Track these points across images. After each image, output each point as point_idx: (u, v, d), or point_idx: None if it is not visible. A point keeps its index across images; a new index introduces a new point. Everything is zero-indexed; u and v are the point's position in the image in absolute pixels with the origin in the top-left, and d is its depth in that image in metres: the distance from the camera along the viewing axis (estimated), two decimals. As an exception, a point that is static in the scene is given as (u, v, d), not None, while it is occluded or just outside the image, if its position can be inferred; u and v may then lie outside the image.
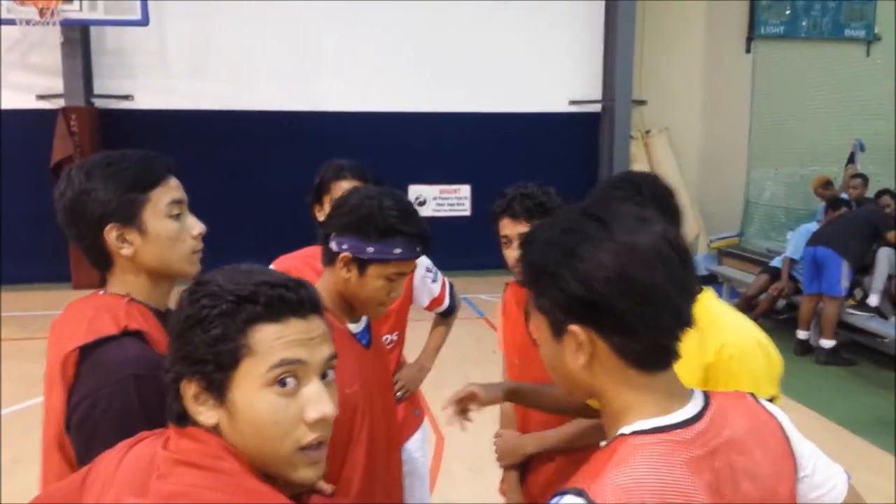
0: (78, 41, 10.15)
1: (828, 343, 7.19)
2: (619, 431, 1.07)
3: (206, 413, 1.10)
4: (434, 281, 3.09)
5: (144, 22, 9.33)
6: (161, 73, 10.71)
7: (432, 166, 11.19)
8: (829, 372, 7.00)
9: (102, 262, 1.59)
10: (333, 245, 1.82)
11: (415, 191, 11.08)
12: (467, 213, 11.47)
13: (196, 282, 1.13)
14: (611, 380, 1.09)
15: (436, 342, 3.25)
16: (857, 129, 9.95)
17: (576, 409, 2.21)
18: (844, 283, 7.05)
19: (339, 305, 1.85)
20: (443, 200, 11.47)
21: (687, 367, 1.64)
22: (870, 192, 8.46)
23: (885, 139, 9.78)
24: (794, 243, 7.91)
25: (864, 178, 8.41)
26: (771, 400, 1.63)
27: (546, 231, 1.13)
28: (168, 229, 1.57)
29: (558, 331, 1.11)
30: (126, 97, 10.61)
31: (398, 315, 2.93)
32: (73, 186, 1.54)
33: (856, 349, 7.39)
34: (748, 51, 11.69)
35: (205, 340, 1.07)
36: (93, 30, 10.36)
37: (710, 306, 1.72)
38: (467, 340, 7.36)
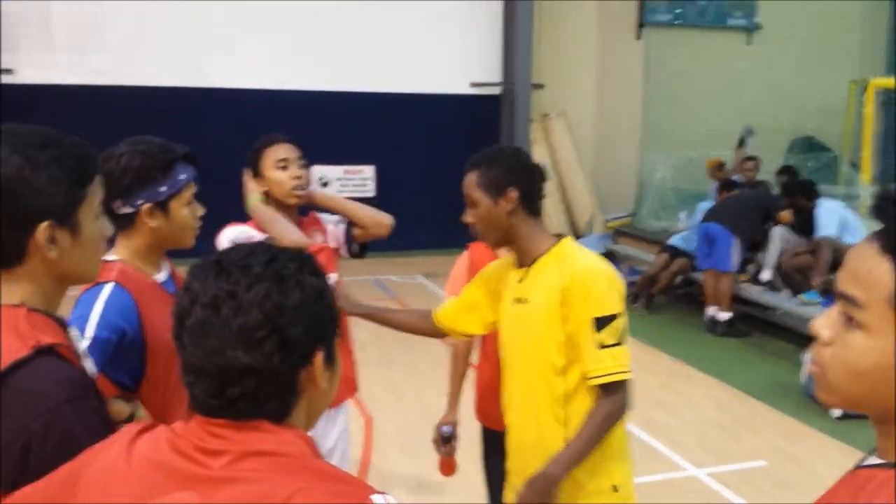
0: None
1: (724, 315, 7.60)
2: None
3: (323, 377, 1.09)
4: (338, 225, 3.07)
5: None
6: (43, 46, 10.07)
7: (335, 147, 11.02)
8: (727, 343, 7.41)
9: (10, 260, 1.31)
10: (127, 208, 1.92)
11: (318, 171, 10.89)
12: (372, 193, 11.39)
13: (272, 276, 1.04)
14: None
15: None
16: (743, 115, 10.51)
17: (426, 328, 2.63)
18: (735, 259, 7.48)
19: (145, 260, 1.99)
20: (347, 181, 11.34)
21: (550, 290, 2.18)
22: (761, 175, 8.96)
23: (770, 123, 10.38)
24: (694, 220, 8.35)
25: (756, 160, 8.90)
26: (615, 316, 2.14)
27: None
28: (96, 231, 1.39)
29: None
30: (6, 71, 9.91)
31: (331, 257, 2.96)
32: (2, 166, 1.26)
33: (749, 322, 7.85)
34: (639, 38, 12.10)
35: (328, 303, 1.08)
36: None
37: (568, 247, 2.28)
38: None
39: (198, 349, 1.01)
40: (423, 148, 11.47)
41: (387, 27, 11.18)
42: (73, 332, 1.46)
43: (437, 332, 2.63)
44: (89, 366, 1.42)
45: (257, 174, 2.86)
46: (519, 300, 2.30)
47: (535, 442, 2.27)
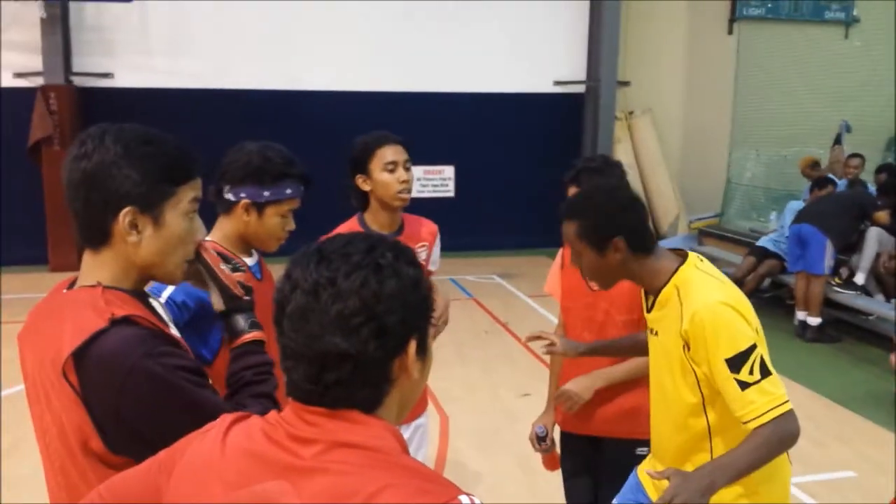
0: (58, 17, 9.91)
1: (815, 320, 7.32)
2: None
3: (415, 367, 1.10)
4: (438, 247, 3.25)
5: (126, -2, 9.15)
6: (141, 51, 10.51)
7: (416, 147, 11.03)
8: (817, 349, 7.13)
9: (96, 240, 1.45)
10: (231, 196, 2.18)
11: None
12: (451, 194, 11.46)
13: (371, 266, 1.07)
14: None
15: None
16: (838, 111, 10.09)
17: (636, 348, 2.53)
18: (828, 262, 7.15)
19: (235, 245, 2.21)
20: (427, 181, 11.42)
21: (674, 332, 2.05)
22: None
23: (868, 121, 9.94)
24: (784, 220, 8.04)
25: (862, 158, 8.49)
26: (750, 350, 1.94)
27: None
28: (181, 229, 1.49)
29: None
30: (106, 75, 10.39)
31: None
32: (103, 152, 1.41)
33: (841, 327, 7.54)
34: (730, 32, 11.78)
35: (424, 294, 1.09)
36: (72, 6, 10.12)
37: (689, 277, 2.09)
38: (461, 321, 7.37)
39: (297, 334, 1.04)
40: (504, 148, 11.45)
41: (471, 26, 11.22)
42: (153, 301, 1.57)
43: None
44: (174, 331, 1.52)
45: (363, 172, 2.88)
46: (652, 331, 2.21)
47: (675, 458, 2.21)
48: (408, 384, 1.11)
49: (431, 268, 3.27)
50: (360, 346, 1.03)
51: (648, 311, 2.20)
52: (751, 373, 1.96)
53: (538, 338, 2.69)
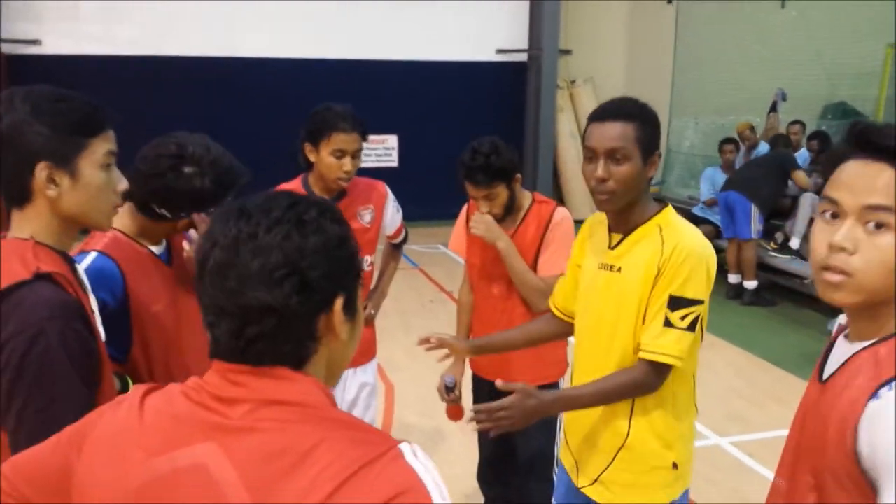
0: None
1: (750, 284, 7.50)
2: None
3: (343, 327, 1.07)
4: (398, 212, 3.35)
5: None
6: (71, 17, 10.13)
7: (358, 115, 10.98)
8: (754, 312, 7.32)
9: (18, 198, 1.51)
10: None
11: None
12: (395, 163, 11.37)
13: (295, 217, 1.04)
14: None
15: (392, 270, 3.51)
16: (774, 80, 10.27)
17: (556, 329, 2.48)
18: (756, 227, 7.35)
19: (141, 233, 2.03)
20: (370, 151, 11.29)
21: (648, 262, 2.05)
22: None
23: (803, 89, 10.13)
24: (702, 187, 8.26)
25: (802, 125, 8.67)
26: (695, 303, 1.99)
27: None
28: (99, 179, 1.53)
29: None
30: (34, 42, 9.99)
31: (373, 240, 3.19)
32: (13, 113, 1.46)
33: (777, 290, 7.74)
34: (670, 1, 11.85)
35: (350, 252, 1.07)
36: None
37: (672, 218, 2.11)
38: (406, 291, 7.36)
39: (217, 291, 1.01)
40: (448, 117, 11.38)
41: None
42: (79, 267, 1.62)
43: (568, 328, 2.44)
44: (92, 301, 1.57)
45: (313, 144, 2.92)
46: (608, 266, 2.15)
47: (599, 411, 2.18)
48: (337, 345, 1.08)
49: (389, 231, 3.34)
50: (282, 299, 0.99)
51: (612, 247, 2.15)
52: (682, 319, 2.00)
53: (430, 344, 2.52)
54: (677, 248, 2.01)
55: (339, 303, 1.05)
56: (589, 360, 2.22)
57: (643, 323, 2.06)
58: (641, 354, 2.04)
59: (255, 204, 1.05)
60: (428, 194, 11.33)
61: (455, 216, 3.36)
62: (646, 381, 2.05)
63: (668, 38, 11.55)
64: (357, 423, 1.03)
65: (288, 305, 1.00)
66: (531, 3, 11.58)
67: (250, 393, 1.01)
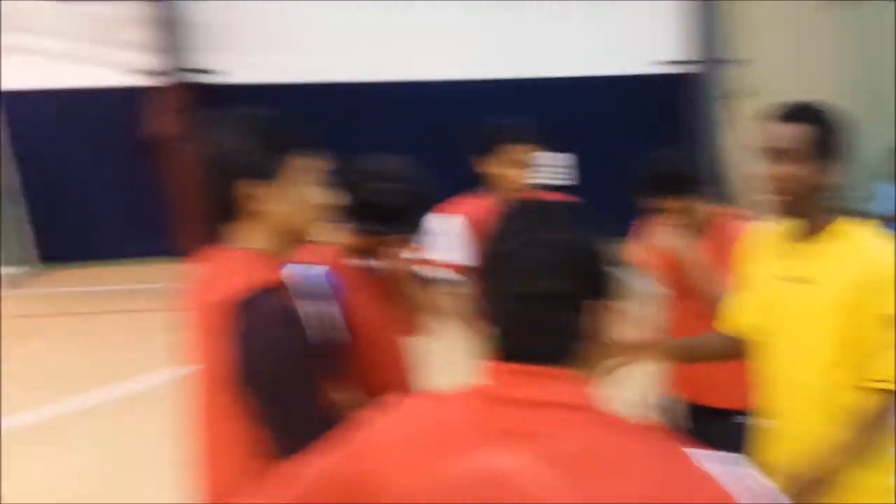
0: (168, 16, 10.18)
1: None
2: None
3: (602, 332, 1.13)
4: None
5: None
6: (253, 47, 10.63)
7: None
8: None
9: (229, 215, 1.62)
10: None
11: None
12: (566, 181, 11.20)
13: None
14: None
15: None
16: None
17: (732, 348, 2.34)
18: None
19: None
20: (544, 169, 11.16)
21: (843, 275, 1.92)
22: None
23: None
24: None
25: None
26: None
27: None
28: (300, 193, 1.63)
29: None
30: (218, 72, 10.59)
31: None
32: (219, 135, 1.60)
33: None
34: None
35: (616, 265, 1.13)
36: (181, 4, 10.35)
37: (854, 227, 2.03)
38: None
39: (500, 283, 1.07)
40: (601, 133, 11.10)
41: (560, 6, 10.93)
42: (297, 276, 1.77)
43: (742, 346, 2.32)
44: (306, 306, 1.68)
45: (487, 156, 3.00)
46: (796, 279, 2.05)
47: (805, 432, 2.06)
48: (595, 349, 1.12)
49: None
50: (572, 289, 1.05)
51: (796, 258, 2.06)
52: None
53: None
54: (877, 263, 1.94)
55: (604, 308, 1.09)
56: (787, 378, 2.10)
57: (848, 342, 1.93)
58: (880, 385, 1.90)
59: (538, 205, 1.13)
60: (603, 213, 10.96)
61: (618, 234, 3.21)
62: (892, 409, 1.91)
63: (846, 47, 10.73)
64: (636, 425, 1.06)
65: (569, 301, 1.05)
66: (691, 10, 11.16)
67: (540, 394, 1.04)
